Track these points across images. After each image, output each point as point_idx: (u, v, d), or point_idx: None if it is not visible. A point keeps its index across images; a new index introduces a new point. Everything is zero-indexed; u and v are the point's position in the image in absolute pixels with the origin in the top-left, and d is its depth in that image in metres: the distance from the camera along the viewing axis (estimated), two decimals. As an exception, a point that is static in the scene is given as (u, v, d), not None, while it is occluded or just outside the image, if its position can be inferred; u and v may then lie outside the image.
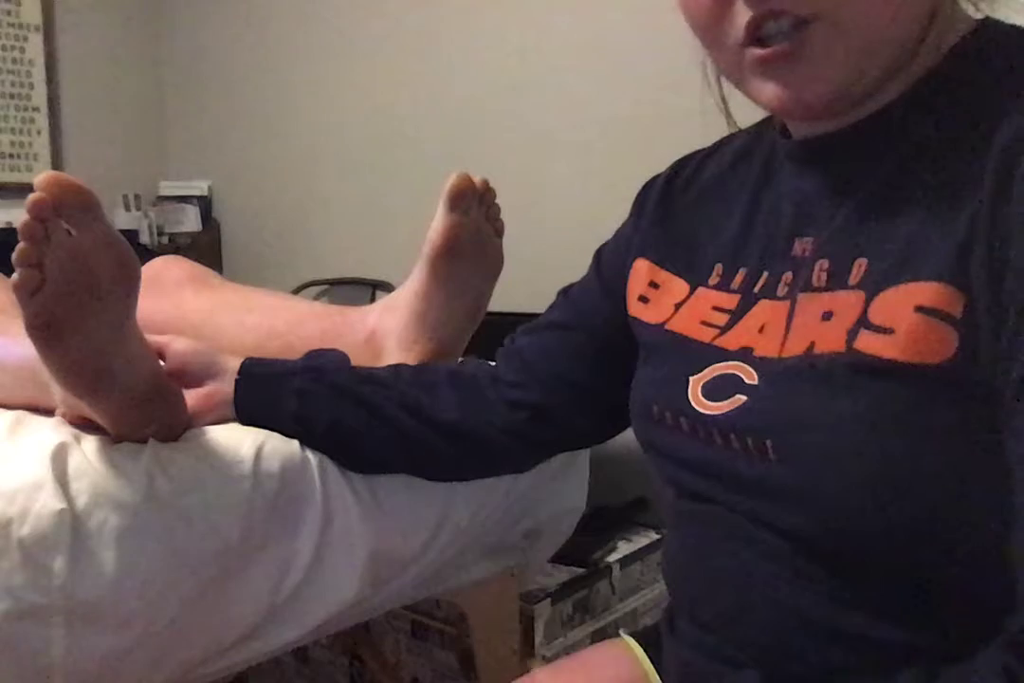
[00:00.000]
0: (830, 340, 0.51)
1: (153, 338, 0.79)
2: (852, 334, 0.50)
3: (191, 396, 0.81)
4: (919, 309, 0.47)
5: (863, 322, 0.49)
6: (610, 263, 0.76)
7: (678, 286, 0.66)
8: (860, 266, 0.52)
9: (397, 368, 0.86)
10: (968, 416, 0.45)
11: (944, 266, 0.47)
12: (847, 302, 0.51)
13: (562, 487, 1.05)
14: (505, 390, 0.80)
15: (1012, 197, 0.45)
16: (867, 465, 0.47)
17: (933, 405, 0.46)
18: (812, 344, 0.52)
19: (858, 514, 0.48)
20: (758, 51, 0.50)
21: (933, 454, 0.46)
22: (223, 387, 0.83)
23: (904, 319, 0.47)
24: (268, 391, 0.82)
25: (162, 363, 0.81)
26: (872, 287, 0.50)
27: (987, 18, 0.53)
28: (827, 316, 0.52)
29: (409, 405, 0.81)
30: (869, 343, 0.49)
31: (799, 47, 0.49)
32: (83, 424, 0.77)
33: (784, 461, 0.51)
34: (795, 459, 0.50)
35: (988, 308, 0.45)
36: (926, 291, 0.47)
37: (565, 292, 0.82)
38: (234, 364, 0.83)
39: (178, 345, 0.83)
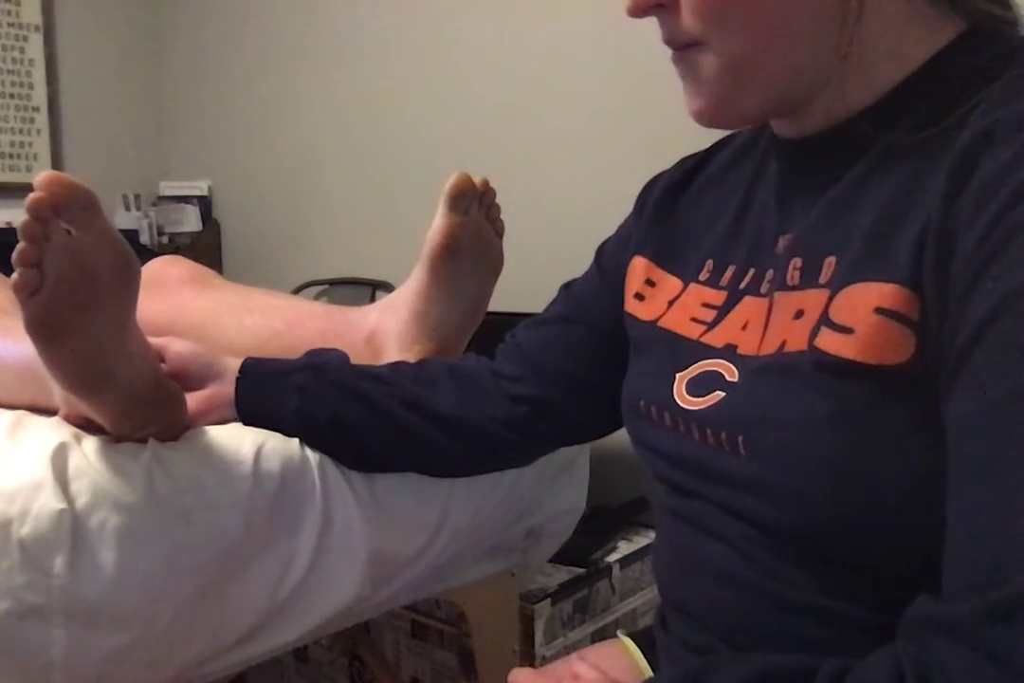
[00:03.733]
0: (798, 339, 0.52)
1: (153, 340, 0.79)
2: (814, 332, 0.51)
3: (192, 398, 0.81)
4: (878, 311, 0.47)
5: (824, 319, 0.50)
6: (611, 259, 0.76)
7: (672, 284, 0.66)
8: (830, 265, 0.52)
9: (397, 365, 0.86)
10: (925, 413, 0.46)
11: (902, 268, 0.47)
12: (815, 300, 0.52)
13: (562, 487, 1.05)
14: (506, 384, 0.80)
15: (963, 195, 0.45)
16: (826, 459, 0.48)
17: (891, 403, 0.47)
18: (784, 342, 0.53)
19: (820, 506, 0.49)
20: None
21: (890, 449, 0.47)
22: (224, 388, 0.83)
23: (863, 320, 0.48)
24: (268, 390, 0.82)
25: (162, 364, 0.81)
26: (835, 285, 0.51)
27: (973, 26, 0.53)
28: (798, 315, 0.53)
29: (410, 401, 0.81)
30: (829, 341, 0.49)
31: (686, 67, 0.57)
32: (84, 424, 0.77)
33: (753, 455, 0.52)
34: (763, 453, 0.51)
35: (937, 308, 0.46)
36: (885, 292, 0.48)
37: (567, 287, 0.82)
38: (234, 365, 0.83)
39: (177, 346, 0.83)
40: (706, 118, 0.57)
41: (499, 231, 0.96)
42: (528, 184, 1.81)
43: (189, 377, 0.82)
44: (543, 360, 0.79)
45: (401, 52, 2.17)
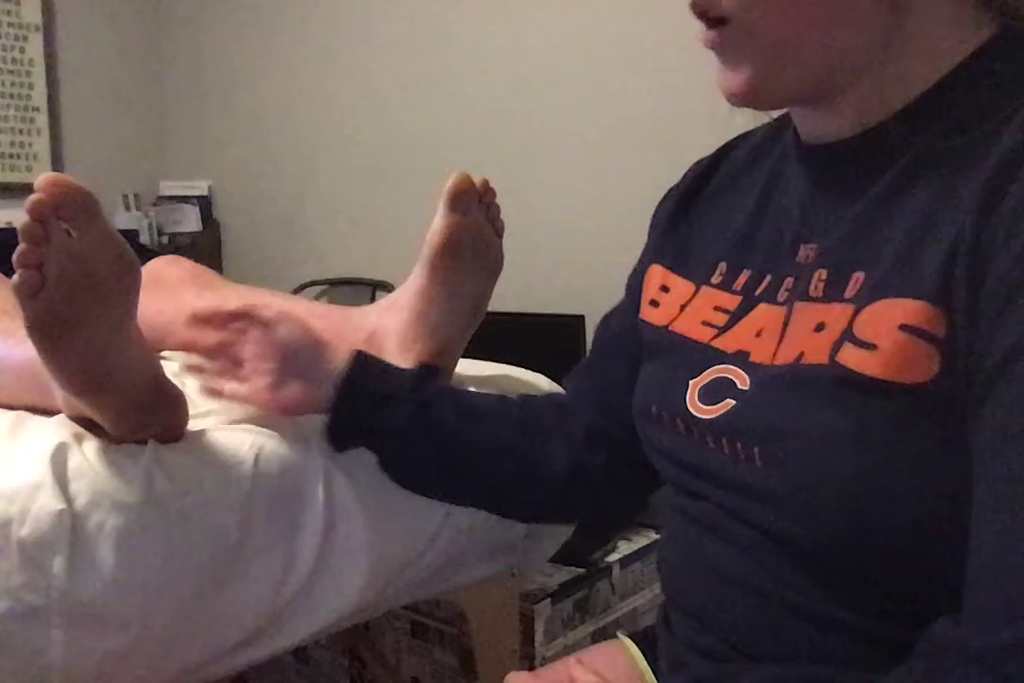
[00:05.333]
0: (818, 352, 0.51)
1: (258, 311, 0.78)
2: (836, 346, 0.50)
3: (284, 391, 0.78)
4: (903, 328, 0.47)
5: (848, 335, 0.50)
6: (634, 283, 0.75)
7: (684, 287, 0.66)
8: (857, 280, 0.51)
9: (504, 400, 0.84)
10: (948, 433, 0.46)
11: (930, 285, 0.47)
12: (839, 314, 0.51)
13: (562, 487, 1.05)
14: (605, 436, 0.78)
15: (997, 213, 0.44)
16: (846, 475, 0.48)
17: (913, 421, 0.47)
18: (802, 354, 0.52)
19: (835, 521, 0.49)
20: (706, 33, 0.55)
21: (911, 468, 0.46)
22: (317, 394, 0.79)
23: (888, 336, 0.47)
24: (366, 420, 0.79)
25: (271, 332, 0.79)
26: (861, 301, 0.50)
27: (1007, 26, 0.52)
28: (819, 327, 0.52)
29: (516, 455, 0.78)
30: (852, 357, 0.49)
31: (719, 42, 0.54)
32: (85, 425, 0.77)
33: (769, 466, 0.51)
34: (779, 465, 0.51)
35: (966, 326, 0.45)
36: (911, 309, 0.47)
37: (605, 322, 0.81)
38: (334, 367, 0.79)
39: (283, 331, 0.79)
40: (740, 98, 0.55)
41: (499, 231, 0.96)
42: (528, 184, 1.81)
43: (294, 365, 0.78)
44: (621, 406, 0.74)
45: (401, 52, 2.17)
